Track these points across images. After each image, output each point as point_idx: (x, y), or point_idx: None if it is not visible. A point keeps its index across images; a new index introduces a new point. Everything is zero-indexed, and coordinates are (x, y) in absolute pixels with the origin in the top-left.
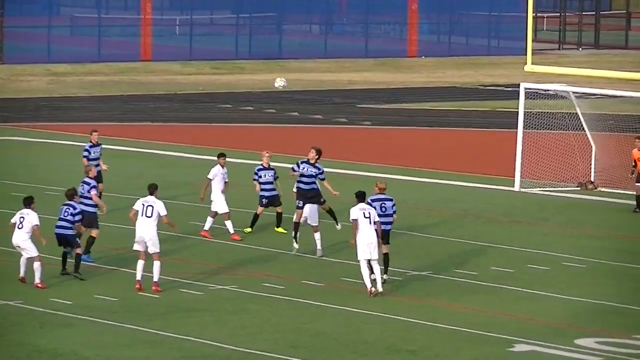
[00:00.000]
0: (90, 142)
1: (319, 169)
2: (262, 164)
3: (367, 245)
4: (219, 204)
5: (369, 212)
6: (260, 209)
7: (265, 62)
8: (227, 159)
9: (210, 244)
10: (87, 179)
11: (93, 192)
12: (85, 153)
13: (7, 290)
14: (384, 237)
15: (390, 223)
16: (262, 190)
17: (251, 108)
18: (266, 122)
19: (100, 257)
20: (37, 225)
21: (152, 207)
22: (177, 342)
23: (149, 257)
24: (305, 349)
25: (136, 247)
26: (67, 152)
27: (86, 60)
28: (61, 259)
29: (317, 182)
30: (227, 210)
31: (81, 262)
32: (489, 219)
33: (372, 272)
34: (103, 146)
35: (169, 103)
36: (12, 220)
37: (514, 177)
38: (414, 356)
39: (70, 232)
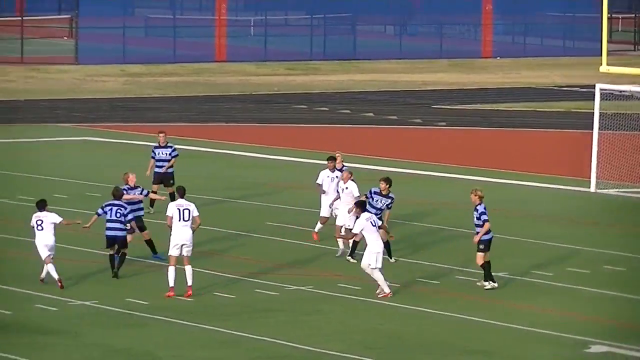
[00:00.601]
0: (158, 143)
1: (392, 199)
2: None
3: (375, 254)
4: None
5: (375, 221)
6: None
7: (339, 63)
8: (303, 160)
9: (282, 244)
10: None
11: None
12: (152, 154)
13: (84, 291)
14: (488, 245)
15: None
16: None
17: (326, 109)
18: (341, 122)
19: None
20: (61, 220)
21: (189, 210)
22: (252, 343)
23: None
24: (380, 350)
25: (174, 252)
26: (142, 152)
27: (161, 61)
28: (110, 262)
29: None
30: (327, 215)
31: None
32: (564, 219)
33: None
34: (178, 146)
35: (243, 104)
36: (31, 224)
37: (589, 178)
38: (489, 357)
39: (122, 233)
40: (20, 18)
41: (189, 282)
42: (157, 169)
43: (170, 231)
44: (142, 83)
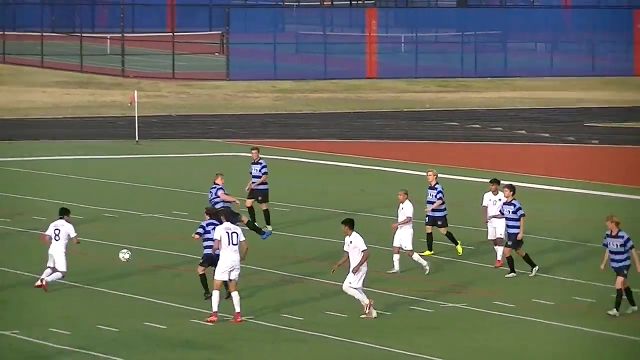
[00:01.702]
0: (253, 159)
1: (515, 206)
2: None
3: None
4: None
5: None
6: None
7: (490, 80)
8: (448, 176)
9: (436, 260)
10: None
11: (220, 192)
12: (250, 169)
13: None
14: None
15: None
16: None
17: (478, 126)
18: (493, 140)
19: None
20: (75, 236)
21: (237, 234)
22: (403, 359)
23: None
24: None
25: (221, 277)
26: (294, 168)
27: (311, 77)
28: (201, 281)
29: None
30: (495, 237)
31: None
32: None
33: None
34: (329, 163)
35: (395, 120)
36: (47, 233)
37: None
38: None
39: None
40: (171, 34)
41: (237, 309)
42: (252, 185)
43: (217, 255)
44: (293, 99)
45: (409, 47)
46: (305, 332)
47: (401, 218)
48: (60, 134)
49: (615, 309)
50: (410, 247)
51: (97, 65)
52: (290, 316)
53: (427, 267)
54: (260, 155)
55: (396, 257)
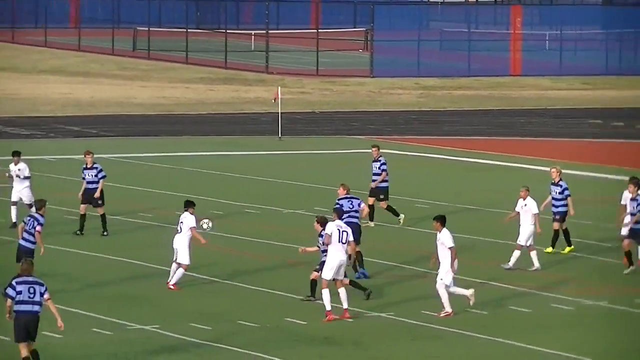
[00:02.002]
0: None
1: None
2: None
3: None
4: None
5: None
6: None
7: (636, 78)
8: (599, 175)
9: (578, 259)
10: None
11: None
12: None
13: (377, 302)
14: None
15: None
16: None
17: (621, 124)
18: (638, 138)
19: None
20: (192, 227)
21: (347, 233)
22: (548, 357)
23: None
24: None
25: (330, 274)
26: (436, 165)
27: (456, 75)
28: (311, 286)
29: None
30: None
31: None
32: None
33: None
34: (473, 160)
35: (539, 118)
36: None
37: None
38: None
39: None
40: (316, 30)
41: (345, 305)
42: (373, 184)
43: (325, 251)
44: (437, 96)
45: (553, 45)
46: (444, 328)
47: (525, 216)
48: (204, 130)
49: None
50: (529, 243)
51: (241, 62)
52: (430, 313)
53: (537, 267)
54: (404, 153)
55: (533, 254)
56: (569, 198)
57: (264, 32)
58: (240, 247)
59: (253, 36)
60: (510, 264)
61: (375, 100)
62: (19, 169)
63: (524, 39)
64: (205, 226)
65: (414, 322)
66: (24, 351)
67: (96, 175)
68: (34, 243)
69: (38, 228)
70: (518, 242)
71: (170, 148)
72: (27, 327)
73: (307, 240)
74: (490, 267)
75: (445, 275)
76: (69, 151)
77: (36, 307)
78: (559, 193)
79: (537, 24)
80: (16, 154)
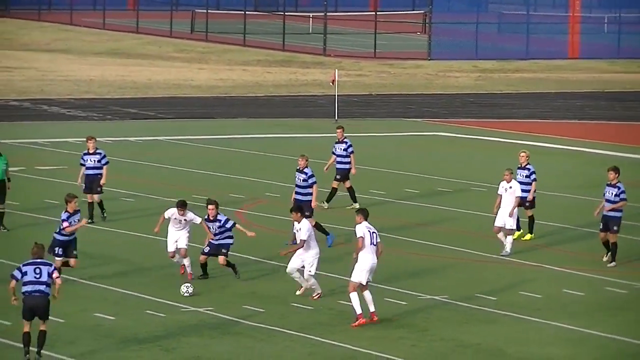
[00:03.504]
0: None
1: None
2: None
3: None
4: None
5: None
6: None
7: None
8: (629, 155)
9: (629, 241)
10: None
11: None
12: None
13: (433, 285)
14: None
15: None
16: None
17: None
18: None
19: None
20: (201, 220)
21: (376, 234)
22: (601, 341)
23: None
24: None
25: (360, 277)
26: (494, 148)
27: (513, 57)
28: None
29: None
30: None
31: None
32: None
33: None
34: (526, 142)
35: (595, 101)
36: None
37: None
38: None
39: None
40: (374, 13)
41: (372, 308)
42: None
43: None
44: (494, 79)
45: (611, 28)
46: (499, 312)
47: (508, 198)
48: (260, 113)
49: None
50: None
51: (298, 44)
52: (485, 296)
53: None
54: (460, 136)
55: (509, 238)
56: (534, 183)
57: (322, 14)
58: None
59: (311, 18)
60: (508, 249)
61: (433, 83)
62: None
63: (582, 21)
64: (187, 291)
65: (469, 305)
66: (26, 327)
67: (99, 161)
68: (68, 235)
69: (64, 224)
70: (496, 225)
71: (226, 130)
72: (32, 308)
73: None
74: (545, 251)
75: (311, 267)
76: (126, 133)
77: (42, 287)
78: (526, 177)
79: (596, 6)
80: None
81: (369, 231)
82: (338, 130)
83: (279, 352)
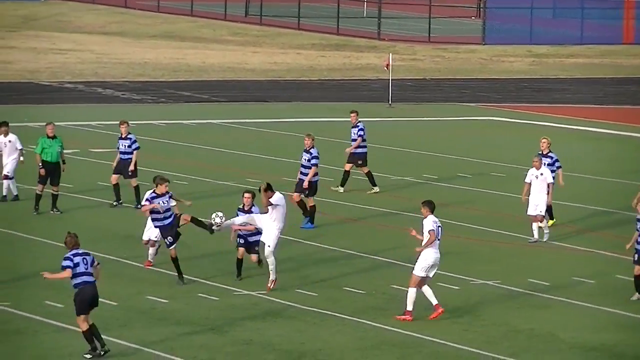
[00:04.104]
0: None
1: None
2: None
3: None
4: None
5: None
6: None
7: None
8: None
9: None
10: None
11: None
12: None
13: (483, 270)
14: None
15: None
16: None
17: None
18: None
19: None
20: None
21: (441, 228)
22: None
23: None
24: None
25: (422, 273)
26: (548, 134)
27: (568, 42)
28: None
29: None
30: None
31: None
32: None
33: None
34: (574, 127)
35: None
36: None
37: None
38: None
39: None
40: None
41: (435, 301)
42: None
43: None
44: (548, 64)
45: None
46: (552, 297)
47: (540, 185)
48: (314, 97)
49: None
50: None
51: (353, 28)
52: (537, 281)
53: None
54: (514, 121)
55: (543, 224)
56: (559, 170)
57: None
58: (348, 214)
59: (365, 2)
60: (536, 236)
61: (487, 68)
62: (9, 141)
63: (637, 7)
64: (216, 220)
65: (521, 290)
66: (87, 321)
67: (130, 146)
68: (164, 220)
69: (143, 202)
70: (530, 213)
71: (280, 114)
72: (93, 296)
73: (413, 208)
74: (596, 236)
75: (272, 242)
76: (180, 116)
77: (92, 278)
78: (548, 165)
79: None
80: (4, 124)
81: (436, 225)
82: (352, 115)
83: (331, 336)
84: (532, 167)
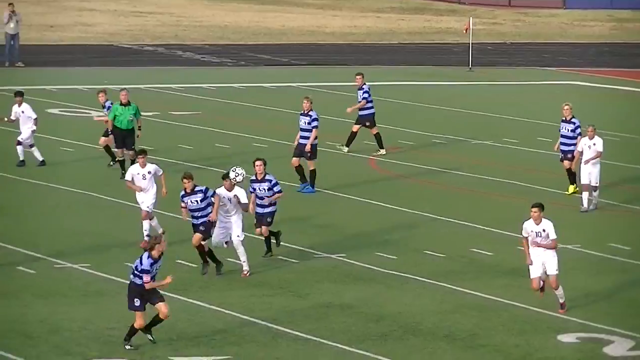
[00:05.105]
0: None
1: None
2: None
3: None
4: None
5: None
6: None
7: None
8: None
9: None
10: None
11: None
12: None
13: (564, 235)
14: None
15: None
16: None
17: None
18: None
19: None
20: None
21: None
22: None
23: None
24: None
25: (536, 274)
26: (627, 98)
27: None
28: None
29: None
30: None
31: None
32: None
33: None
34: None
35: None
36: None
37: None
38: None
39: None
40: None
41: (561, 300)
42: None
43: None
44: (629, 29)
45: None
46: (632, 262)
47: (590, 155)
48: (394, 60)
49: None
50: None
51: None
52: (617, 245)
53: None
54: (594, 85)
55: (594, 194)
56: (579, 137)
57: None
58: (427, 177)
59: None
60: (585, 205)
61: (567, 32)
62: (22, 111)
63: None
64: (240, 178)
65: (600, 254)
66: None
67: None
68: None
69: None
70: (583, 182)
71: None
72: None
73: (496, 171)
74: None
75: (240, 231)
76: (259, 80)
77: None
78: (571, 131)
79: None
80: (19, 94)
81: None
82: (357, 77)
83: (411, 299)
84: (586, 137)
